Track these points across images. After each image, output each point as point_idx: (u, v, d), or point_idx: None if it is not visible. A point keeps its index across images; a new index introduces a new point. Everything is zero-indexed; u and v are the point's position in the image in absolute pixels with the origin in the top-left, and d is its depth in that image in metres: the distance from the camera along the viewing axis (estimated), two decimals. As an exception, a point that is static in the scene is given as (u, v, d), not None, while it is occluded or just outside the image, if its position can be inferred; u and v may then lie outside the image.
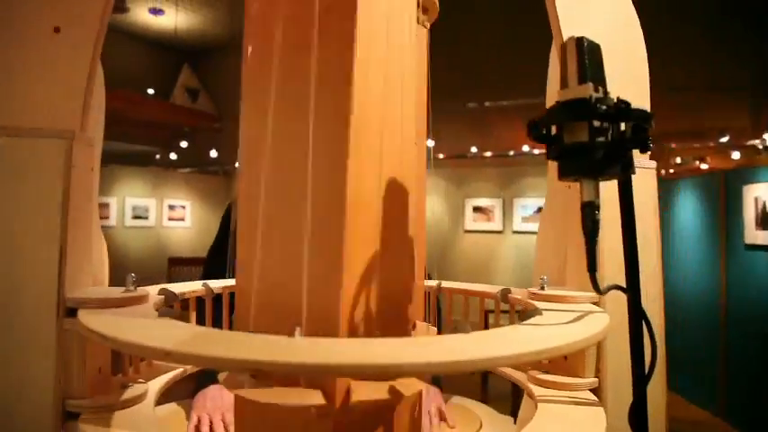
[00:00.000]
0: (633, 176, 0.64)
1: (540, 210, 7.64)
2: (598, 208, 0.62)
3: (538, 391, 0.80)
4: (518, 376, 0.89)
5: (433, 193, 7.96)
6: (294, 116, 0.65)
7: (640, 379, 0.71)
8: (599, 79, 0.60)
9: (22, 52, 0.73)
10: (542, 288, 0.85)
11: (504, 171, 7.94)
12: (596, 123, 0.57)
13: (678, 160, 5.63)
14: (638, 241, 0.84)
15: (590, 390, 0.82)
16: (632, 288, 0.70)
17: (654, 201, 0.91)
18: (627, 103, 0.58)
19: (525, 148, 7.47)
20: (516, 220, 7.78)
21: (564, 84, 0.60)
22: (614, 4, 0.99)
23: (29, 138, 0.67)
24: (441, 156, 7.51)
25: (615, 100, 0.58)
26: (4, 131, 0.67)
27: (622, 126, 0.59)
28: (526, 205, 7.73)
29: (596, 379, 0.82)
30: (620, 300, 0.75)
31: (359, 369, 0.44)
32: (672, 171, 5.76)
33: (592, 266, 0.63)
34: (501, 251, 7.91)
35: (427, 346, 0.48)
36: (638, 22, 1.00)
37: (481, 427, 1.30)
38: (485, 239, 8.02)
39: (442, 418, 1.28)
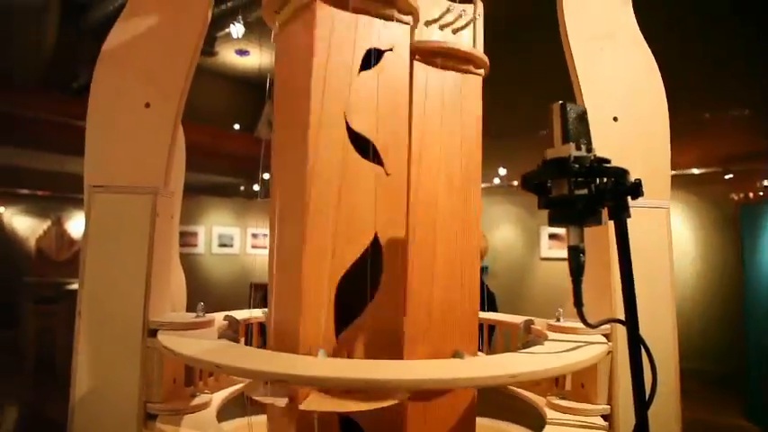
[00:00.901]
0: (631, 218, 0.72)
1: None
2: (583, 251, 0.71)
3: (552, 414, 0.88)
4: (538, 400, 0.97)
5: (507, 221, 7.94)
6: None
7: (641, 404, 0.77)
8: (582, 139, 0.69)
9: (120, 123, 0.92)
10: (558, 320, 0.93)
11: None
12: (576, 179, 0.66)
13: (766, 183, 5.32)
14: (647, 278, 0.91)
15: (602, 415, 0.88)
16: (630, 320, 0.77)
17: (666, 239, 0.96)
18: (603, 161, 0.67)
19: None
20: (543, 247, 7.60)
21: (550, 143, 0.70)
22: (632, 52, 1.06)
23: (122, 194, 0.85)
24: (515, 183, 7.48)
25: (592, 158, 0.67)
26: (104, 189, 0.85)
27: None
28: (552, 232, 7.53)
29: (608, 406, 0.89)
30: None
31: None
32: (761, 194, 5.45)
33: (578, 302, 0.72)
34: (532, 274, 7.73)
35: (409, 366, 0.59)
36: (656, 66, 1.07)
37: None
38: (562, 267, 7.79)
39: None
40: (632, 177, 0.74)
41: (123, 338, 0.81)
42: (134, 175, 0.88)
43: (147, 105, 0.94)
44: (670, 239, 0.98)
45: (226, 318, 0.95)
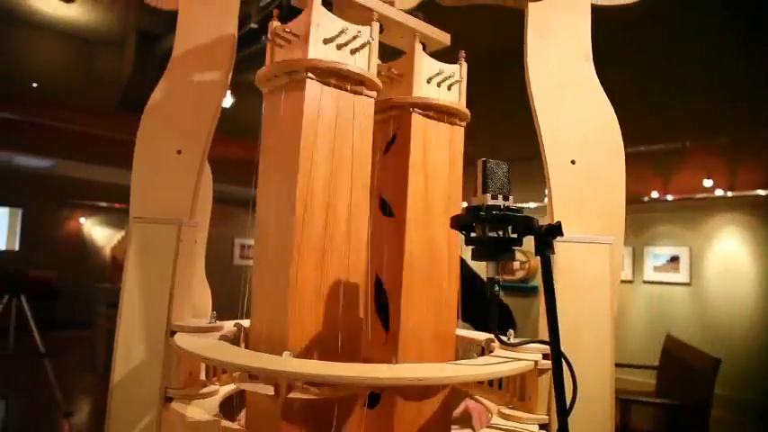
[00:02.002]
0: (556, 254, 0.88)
1: (673, 259, 7.22)
2: (498, 282, 0.87)
3: (496, 420, 1.03)
4: (493, 409, 1.12)
5: (557, 241, 7.87)
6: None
7: (562, 410, 0.92)
8: (500, 190, 0.86)
9: (156, 166, 1.17)
10: (509, 339, 1.08)
11: (633, 218, 7.63)
12: (491, 226, 0.83)
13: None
14: (585, 309, 1.06)
15: (540, 424, 1.02)
16: (553, 339, 0.92)
17: (606, 273, 1.10)
18: (512, 210, 0.84)
19: (655, 194, 7.18)
20: (647, 270, 7.42)
21: (475, 192, 0.87)
22: (589, 101, 1.20)
23: (154, 224, 1.09)
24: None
25: (503, 207, 0.84)
26: (141, 219, 1.09)
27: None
28: (658, 254, 7.35)
29: (547, 417, 1.03)
30: (573, 351, 0.96)
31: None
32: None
33: (493, 325, 0.88)
34: (630, 301, 7.55)
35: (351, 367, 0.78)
36: (613, 114, 1.21)
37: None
38: (661, 290, 7.70)
39: None
40: (555, 220, 0.90)
41: (150, 337, 1.04)
42: (164, 209, 1.12)
43: (179, 152, 1.18)
44: (614, 270, 1.11)
45: (235, 324, 1.17)
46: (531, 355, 1.01)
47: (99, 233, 10.05)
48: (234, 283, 1.31)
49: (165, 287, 1.06)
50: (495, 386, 1.25)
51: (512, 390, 1.14)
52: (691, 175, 6.88)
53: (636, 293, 7.63)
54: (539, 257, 0.91)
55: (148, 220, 1.11)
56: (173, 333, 1.04)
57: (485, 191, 0.86)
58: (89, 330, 7.17)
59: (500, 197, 0.86)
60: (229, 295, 1.31)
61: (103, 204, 9.94)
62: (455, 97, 1.17)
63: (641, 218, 7.68)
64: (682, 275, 7.21)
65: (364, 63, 1.03)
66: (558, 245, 1.10)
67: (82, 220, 9.99)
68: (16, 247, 9.56)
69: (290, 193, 0.93)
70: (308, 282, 0.92)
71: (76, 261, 9.43)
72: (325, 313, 0.93)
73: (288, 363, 0.79)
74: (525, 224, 0.84)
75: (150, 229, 1.10)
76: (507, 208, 0.85)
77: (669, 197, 7.30)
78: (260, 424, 0.94)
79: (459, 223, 0.88)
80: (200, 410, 0.98)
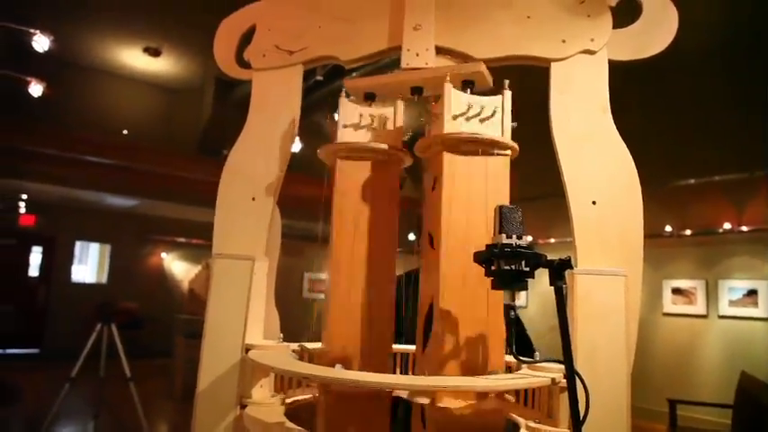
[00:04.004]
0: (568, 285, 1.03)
1: (750, 293, 6.90)
2: (514, 308, 1.03)
3: (524, 432, 1.17)
4: (522, 423, 1.26)
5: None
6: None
7: (576, 421, 1.05)
8: (514, 231, 1.02)
9: (234, 211, 1.41)
10: (533, 358, 1.22)
11: (706, 251, 7.38)
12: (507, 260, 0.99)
13: None
14: (602, 335, 1.19)
15: (562, 437, 1.15)
16: (567, 358, 1.06)
17: (621, 302, 1.22)
18: (523, 248, 1.00)
19: (727, 225, 6.94)
20: (722, 304, 7.11)
21: (494, 233, 1.04)
22: (608, 149, 1.34)
23: (232, 259, 1.32)
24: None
25: (515, 245, 1.00)
26: (221, 256, 1.33)
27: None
28: (734, 287, 7.04)
29: (567, 430, 1.15)
30: (590, 372, 1.09)
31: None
32: None
33: (510, 346, 1.03)
34: (706, 336, 7.23)
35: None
36: (630, 160, 1.34)
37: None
38: (686, 323, 7.42)
39: None
40: (567, 255, 1.06)
41: (229, 354, 1.26)
42: (240, 247, 1.35)
43: (254, 199, 1.41)
44: (631, 300, 1.24)
45: (299, 345, 1.37)
46: (553, 374, 1.15)
47: (178, 267, 10.73)
48: (302, 313, 1.52)
49: (241, 312, 1.28)
50: (529, 405, 1.38)
51: (541, 407, 1.28)
52: (766, 204, 6.62)
53: (710, 329, 7.31)
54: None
55: (227, 257, 1.34)
56: (247, 350, 1.25)
57: (500, 231, 1.02)
58: (168, 359, 7.64)
59: (513, 237, 1.02)
60: (298, 324, 1.51)
61: (182, 240, 10.63)
62: (492, 129, 1.28)
63: (714, 250, 7.41)
64: (760, 310, 6.87)
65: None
66: (577, 276, 1.24)
67: (162, 254, 10.71)
68: (105, 281, 10.37)
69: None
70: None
71: (157, 293, 10.09)
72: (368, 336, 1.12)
73: (337, 372, 0.98)
74: (534, 259, 1.00)
75: (229, 264, 1.34)
76: (519, 246, 1.01)
77: (744, 228, 7.03)
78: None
79: (479, 258, 1.05)
80: (270, 415, 1.18)
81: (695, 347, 7.29)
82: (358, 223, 1.24)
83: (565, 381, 1.16)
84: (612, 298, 1.22)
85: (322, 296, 9.66)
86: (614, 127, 1.37)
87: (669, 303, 7.60)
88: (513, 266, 1.00)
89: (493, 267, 1.03)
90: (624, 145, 1.36)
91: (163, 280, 10.59)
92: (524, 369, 1.20)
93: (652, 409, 5.82)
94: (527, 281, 1.02)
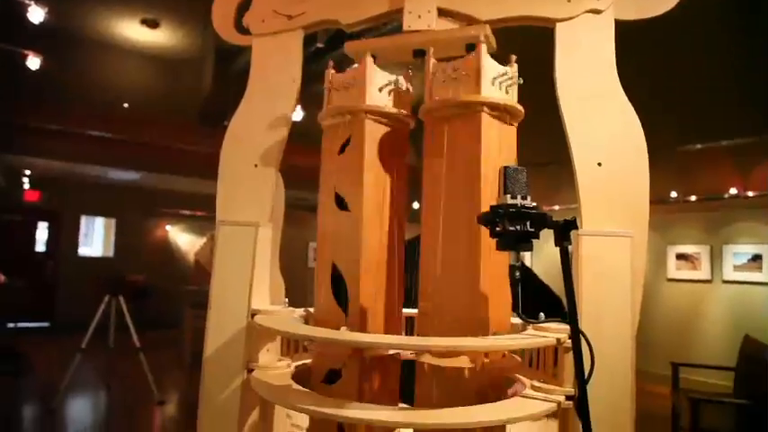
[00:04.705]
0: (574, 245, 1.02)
1: (755, 258, 6.90)
2: (519, 268, 1.02)
3: (528, 392, 1.18)
4: (527, 383, 1.27)
5: (628, 240, 7.68)
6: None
7: (581, 380, 1.06)
8: (519, 191, 1.01)
9: (237, 178, 1.40)
10: (538, 319, 1.22)
11: (711, 216, 7.36)
12: (511, 220, 0.99)
13: None
14: (607, 295, 1.19)
15: (567, 396, 1.15)
16: (572, 319, 1.06)
17: (626, 263, 1.22)
18: (528, 209, 0.99)
19: (733, 190, 6.89)
20: (727, 269, 7.12)
21: (499, 193, 1.03)
22: (614, 108, 1.32)
23: (237, 226, 1.32)
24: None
25: (519, 205, 0.99)
26: (227, 223, 1.33)
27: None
28: (739, 252, 7.04)
29: (573, 389, 1.16)
30: (595, 332, 1.10)
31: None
32: None
33: (515, 307, 1.04)
34: (709, 301, 7.27)
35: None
36: (636, 119, 1.32)
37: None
38: (690, 288, 7.45)
39: None
40: (574, 215, 1.05)
41: (235, 319, 1.27)
42: (244, 213, 1.35)
43: (256, 165, 1.41)
44: (636, 261, 1.23)
45: (305, 310, 1.38)
46: (558, 334, 1.15)
47: (183, 239, 10.79)
48: (308, 282, 1.53)
49: (246, 278, 1.28)
50: (534, 366, 1.39)
51: (546, 368, 1.29)
52: (772, 169, 6.57)
53: (714, 293, 7.34)
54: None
55: (231, 223, 1.34)
56: (253, 315, 1.26)
57: (505, 192, 1.02)
58: (176, 329, 7.75)
59: (518, 197, 1.01)
60: (304, 293, 1.52)
61: (186, 212, 10.66)
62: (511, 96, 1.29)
63: (719, 215, 7.38)
64: (765, 275, 6.88)
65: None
66: (582, 237, 1.24)
67: (167, 227, 10.75)
68: (111, 254, 10.45)
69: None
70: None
71: (163, 265, 10.17)
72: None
73: (343, 334, 0.99)
74: (540, 220, 0.99)
75: (233, 230, 1.34)
76: (524, 206, 1.00)
77: (750, 193, 6.98)
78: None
79: (483, 219, 1.04)
80: (276, 378, 1.20)
81: (699, 312, 7.33)
82: (381, 184, 1.24)
83: (570, 341, 1.16)
84: (618, 259, 1.22)
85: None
86: (621, 88, 1.35)
87: (673, 269, 7.62)
88: (518, 227, 0.99)
89: (498, 228, 1.02)
90: (630, 106, 1.34)
91: (169, 252, 10.66)
92: (530, 330, 1.21)
93: (655, 373, 5.88)
94: (532, 241, 1.01)
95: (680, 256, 7.58)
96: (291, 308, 1.33)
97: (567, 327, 1.17)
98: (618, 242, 1.23)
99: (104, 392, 5.87)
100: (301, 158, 3.39)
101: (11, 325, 8.83)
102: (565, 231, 1.05)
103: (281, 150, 1.42)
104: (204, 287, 1.31)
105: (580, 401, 1.05)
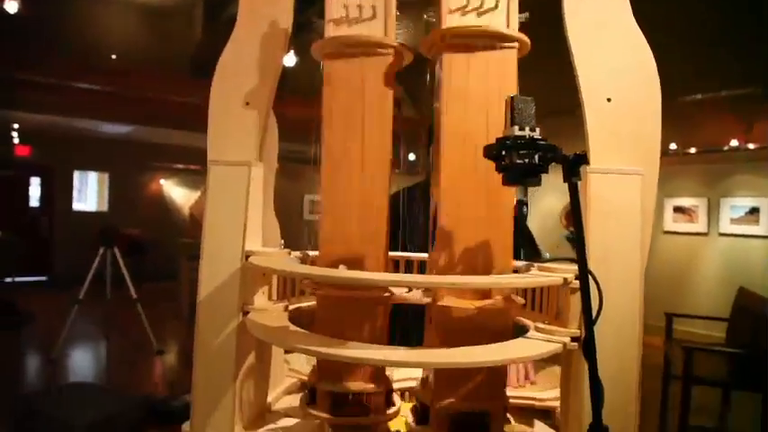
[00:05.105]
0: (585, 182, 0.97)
1: (752, 211, 6.89)
2: (526, 204, 0.98)
3: (531, 333, 1.15)
4: (530, 325, 1.24)
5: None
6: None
7: (588, 320, 1.02)
8: (527, 122, 0.95)
9: (227, 116, 1.33)
10: (543, 260, 1.19)
11: (709, 168, 7.31)
12: (520, 152, 0.93)
13: None
14: (616, 236, 1.14)
15: (572, 337, 1.13)
16: (580, 257, 1.02)
17: (636, 202, 1.17)
18: (537, 140, 0.93)
19: (734, 142, 6.82)
20: (724, 222, 7.13)
21: (506, 125, 0.97)
22: (625, 40, 1.25)
23: (228, 166, 1.26)
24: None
25: (528, 137, 0.94)
26: (217, 162, 1.27)
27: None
28: (736, 205, 7.03)
29: (578, 330, 1.13)
30: (603, 273, 1.05)
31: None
32: None
33: (523, 241, 0.99)
34: (705, 254, 7.31)
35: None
36: (649, 52, 1.24)
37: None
38: (686, 241, 7.49)
39: (527, 376, 1.63)
40: (581, 150, 0.99)
41: (229, 261, 1.22)
42: (235, 153, 1.28)
43: (247, 104, 1.33)
44: (646, 202, 1.18)
45: (301, 252, 1.34)
46: (564, 274, 1.11)
47: (177, 193, 10.71)
48: (304, 234, 1.48)
49: (240, 219, 1.23)
50: (536, 310, 1.36)
51: (550, 311, 1.26)
52: (774, 121, 6.48)
53: (710, 246, 7.37)
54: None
55: (223, 163, 1.28)
56: (247, 257, 1.21)
57: (512, 123, 0.95)
58: (173, 282, 7.78)
59: (527, 129, 0.95)
60: (300, 245, 1.47)
61: (180, 166, 10.54)
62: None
63: (718, 168, 7.33)
64: (761, 228, 6.89)
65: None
66: (591, 175, 1.19)
67: (162, 181, 10.66)
68: (105, 209, 10.40)
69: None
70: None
71: (159, 219, 10.13)
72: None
73: (341, 272, 0.94)
74: (550, 151, 0.93)
75: (224, 171, 1.27)
76: (532, 138, 0.94)
77: (750, 146, 6.91)
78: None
79: (489, 152, 0.98)
80: (273, 320, 1.16)
81: (694, 265, 7.38)
82: (350, 121, 1.18)
83: (577, 281, 1.13)
84: (627, 197, 1.17)
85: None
86: (632, 17, 1.27)
87: (670, 221, 7.64)
88: (525, 160, 0.94)
89: (504, 161, 0.96)
90: (643, 37, 1.26)
91: (163, 206, 10.61)
92: (534, 270, 1.17)
93: (649, 324, 5.95)
94: (540, 176, 0.96)
95: (677, 209, 7.59)
96: (287, 249, 1.28)
97: (573, 267, 1.14)
98: (627, 180, 1.18)
99: (104, 343, 5.93)
100: (295, 110, 3.30)
101: (9, 279, 8.85)
102: (574, 166, 0.99)
103: (273, 87, 1.34)
104: (200, 240, 1.25)
105: (587, 342, 1.01)
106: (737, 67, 6.07)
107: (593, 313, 1.02)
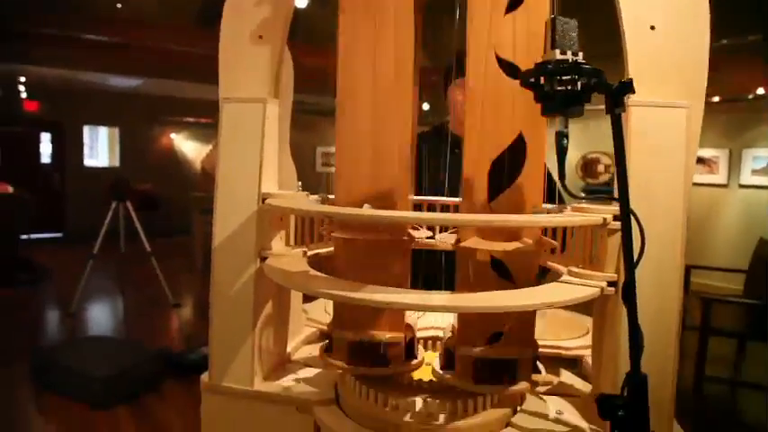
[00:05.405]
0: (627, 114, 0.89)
1: (775, 161, 6.71)
2: (566, 136, 0.89)
3: (565, 278, 1.09)
4: (562, 270, 1.18)
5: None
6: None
7: (630, 263, 0.95)
8: (569, 46, 0.86)
9: (240, 51, 1.24)
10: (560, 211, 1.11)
11: (733, 118, 7.08)
12: (561, 78, 0.84)
13: None
14: (659, 174, 1.06)
15: (608, 282, 1.06)
16: (622, 194, 0.94)
17: (682, 136, 1.08)
18: (580, 64, 0.84)
19: (760, 90, 6.57)
20: (745, 173, 6.96)
21: (545, 49, 0.88)
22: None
23: (242, 103, 1.18)
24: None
25: (571, 61, 0.85)
26: (230, 100, 1.19)
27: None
28: (759, 156, 6.85)
29: (615, 275, 1.07)
30: (645, 212, 0.97)
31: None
32: None
33: (561, 176, 0.91)
34: (725, 205, 7.17)
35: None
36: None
37: (587, 333, 1.57)
38: (706, 193, 7.34)
39: None
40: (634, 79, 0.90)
41: (244, 204, 1.16)
42: (249, 89, 1.20)
43: (260, 37, 1.24)
44: (691, 137, 1.10)
45: (320, 195, 1.27)
46: (602, 215, 1.04)
47: (188, 147, 10.64)
48: (317, 186, 1.41)
49: (255, 159, 1.16)
50: (566, 253, 1.30)
51: (584, 254, 1.19)
52: (802, 68, 6.22)
53: (731, 198, 7.22)
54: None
55: (236, 100, 1.20)
56: (264, 200, 1.15)
57: (553, 47, 0.86)
58: (186, 236, 7.80)
59: (569, 52, 0.86)
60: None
61: (190, 120, 10.43)
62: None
63: (742, 117, 7.09)
64: (783, 179, 6.72)
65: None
66: (632, 109, 1.10)
67: (172, 135, 10.58)
68: (117, 164, 10.37)
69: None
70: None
71: (170, 174, 10.10)
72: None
73: (367, 211, 0.88)
74: (595, 76, 0.84)
75: (238, 108, 1.20)
76: (576, 62, 0.85)
77: (777, 94, 6.64)
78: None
79: (527, 78, 0.89)
80: (292, 265, 1.11)
81: (714, 217, 7.25)
82: (366, 51, 1.09)
83: (615, 222, 1.06)
84: (672, 132, 1.08)
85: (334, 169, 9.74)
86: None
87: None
88: (568, 87, 0.85)
89: (545, 89, 0.88)
90: (692, -45, 1.14)
91: (175, 160, 10.57)
92: (568, 211, 1.10)
93: (665, 276, 5.91)
94: (584, 105, 0.87)
95: (697, 160, 7.38)
96: (306, 192, 1.21)
97: (610, 208, 1.07)
98: (672, 114, 1.09)
99: (120, 297, 5.99)
100: (307, 59, 3.15)
101: (24, 237, 8.94)
102: (619, 95, 0.91)
103: (287, 21, 1.25)
104: (212, 193, 1.18)
105: (627, 287, 0.95)
106: (766, 8, 5.78)
107: (635, 256, 0.96)
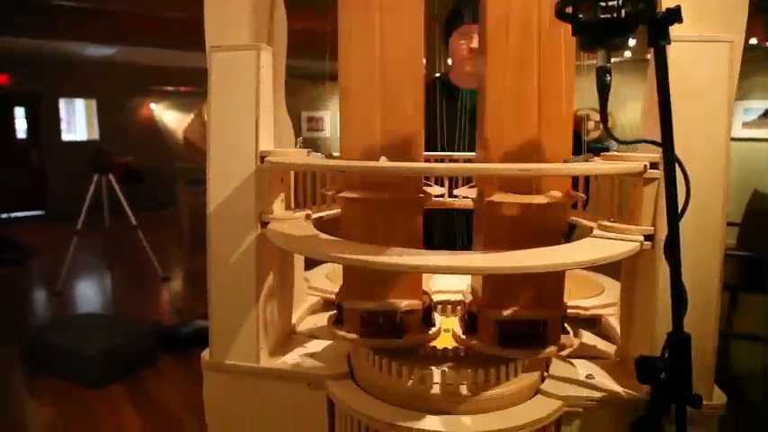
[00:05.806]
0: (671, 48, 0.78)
1: (766, 113, 6.64)
2: (609, 72, 0.79)
3: (597, 233, 1.00)
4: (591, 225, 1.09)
5: (633, 99, 7.37)
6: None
7: (674, 215, 0.86)
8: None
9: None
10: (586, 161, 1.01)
11: (723, 70, 6.96)
12: (603, 4, 0.73)
13: None
14: (700, 114, 0.96)
15: (645, 235, 0.97)
16: (666, 138, 0.85)
17: (724, 73, 0.98)
18: (628, -14, 0.73)
19: (753, 40, 6.45)
20: (736, 126, 6.89)
21: (580, -24, 0.76)
22: None
23: (235, 51, 1.05)
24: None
25: (615, -16, 0.73)
26: (219, 49, 1.06)
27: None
28: (750, 108, 6.78)
29: (652, 227, 0.98)
30: (687, 160, 0.88)
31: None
32: None
33: (603, 118, 0.81)
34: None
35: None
36: None
37: (602, 291, 1.49)
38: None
39: None
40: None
41: (241, 163, 1.05)
42: (240, 36, 1.07)
43: (251, -18, 1.10)
44: (733, 73, 1.00)
45: (327, 153, 1.16)
46: (638, 163, 0.95)
47: (169, 117, 10.35)
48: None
49: (251, 113, 1.05)
50: (589, 207, 1.21)
51: (612, 209, 1.10)
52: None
53: (720, 152, 7.15)
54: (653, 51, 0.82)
55: (226, 49, 1.07)
56: (262, 158, 1.04)
57: (593, -31, 0.75)
58: (173, 208, 7.64)
59: (612, -24, 0.75)
60: None
61: (171, 89, 10.11)
62: None
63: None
64: (775, 131, 6.67)
65: None
66: (672, 44, 0.99)
67: (152, 105, 10.27)
68: (96, 137, 10.08)
69: None
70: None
71: (153, 145, 9.84)
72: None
73: (383, 163, 0.77)
74: (643, 1, 0.73)
75: (229, 57, 1.07)
76: (621, -16, 0.74)
77: (768, 44, 6.53)
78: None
79: (562, 9, 0.78)
80: (298, 229, 1.01)
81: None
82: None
83: (653, 171, 0.96)
84: (714, 68, 0.98)
85: (321, 134, 9.54)
86: None
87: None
88: (611, 14, 0.74)
89: (583, 18, 0.77)
90: None
91: (156, 131, 10.28)
92: (598, 160, 1.00)
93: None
94: (628, 36, 0.77)
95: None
96: (307, 149, 1.10)
97: (643, 155, 0.97)
98: (714, 49, 0.98)
99: (108, 273, 5.86)
100: (294, 22, 2.99)
101: (5, 215, 8.71)
102: (663, 25, 0.80)
103: (279, -45, 1.11)
104: (196, 163, 1.06)
105: (670, 240, 0.86)
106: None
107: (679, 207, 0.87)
